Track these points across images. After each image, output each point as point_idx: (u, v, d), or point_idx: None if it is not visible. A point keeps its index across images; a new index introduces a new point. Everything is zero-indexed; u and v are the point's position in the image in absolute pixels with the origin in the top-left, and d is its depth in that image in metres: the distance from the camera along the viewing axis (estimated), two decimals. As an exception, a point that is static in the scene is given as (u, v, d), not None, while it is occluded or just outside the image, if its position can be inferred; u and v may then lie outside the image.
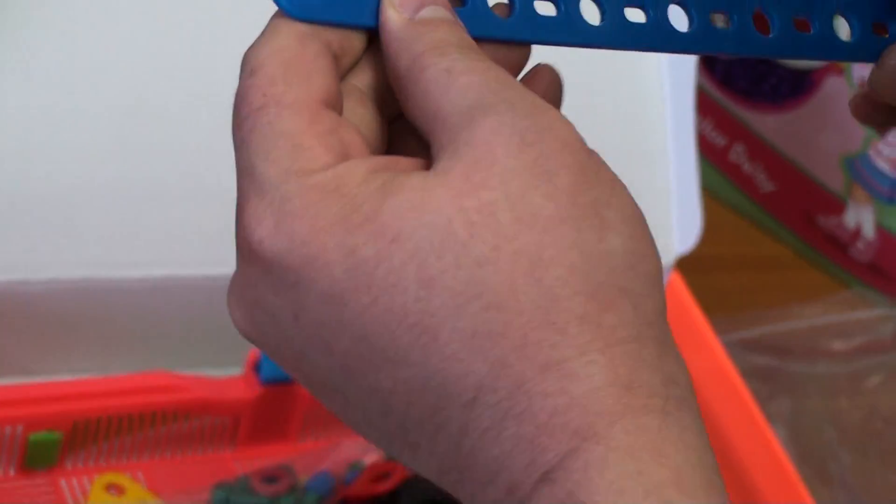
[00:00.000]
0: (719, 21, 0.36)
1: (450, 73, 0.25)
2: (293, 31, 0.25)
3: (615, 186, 0.26)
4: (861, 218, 0.73)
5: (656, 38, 0.33)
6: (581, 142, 0.25)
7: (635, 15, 0.31)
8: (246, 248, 0.24)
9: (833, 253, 0.75)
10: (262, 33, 0.26)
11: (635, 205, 0.26)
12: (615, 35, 0.32)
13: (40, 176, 0.56)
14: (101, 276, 0.55)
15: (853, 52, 0.38)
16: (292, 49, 0.25)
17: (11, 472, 0.54)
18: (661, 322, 0.25)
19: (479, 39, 0.28)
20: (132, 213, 0.57)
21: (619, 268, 0.24)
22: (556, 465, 0.23)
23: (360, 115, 0.26)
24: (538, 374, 0.23)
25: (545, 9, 0.30)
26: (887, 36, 0.38)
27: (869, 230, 0.72)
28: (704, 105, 0.75)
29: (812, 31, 0.36)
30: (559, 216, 0.24)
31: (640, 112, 0.66)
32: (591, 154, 0.25)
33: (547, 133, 0.25)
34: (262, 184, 0.24)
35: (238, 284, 0.25)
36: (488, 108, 0.24)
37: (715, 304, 0.65)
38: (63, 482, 0.56)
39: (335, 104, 0.25)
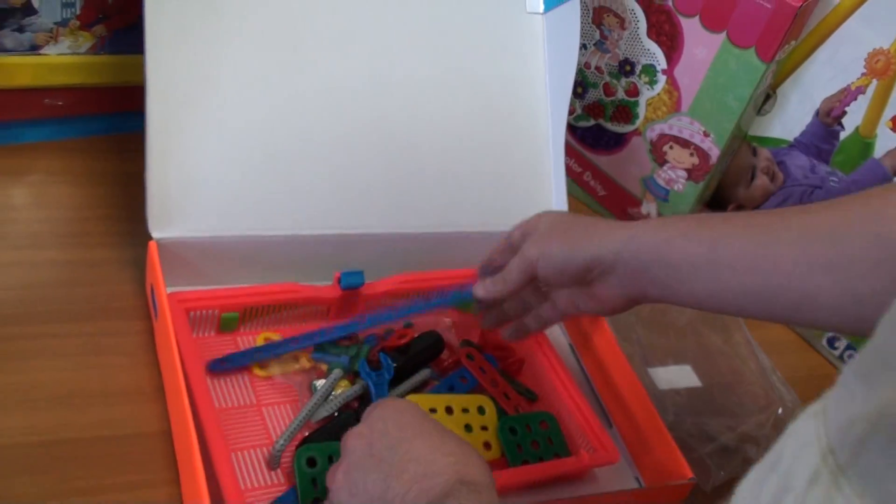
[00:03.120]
0: None
1: None
2: None
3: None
4: (650, 209, 1.08)
5: None
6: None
7: None
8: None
9: None
10: None
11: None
12: None
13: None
14: (260, 234, 0.82)
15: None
16: None
17: (212, 334, 0.80)
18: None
19: None
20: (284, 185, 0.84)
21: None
22: None
23: None
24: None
25: None
26: None
27: (654, 215, 1.08)
28: (569, 151, 1.07)
29: None
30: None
31: (537, 141, 0.95)
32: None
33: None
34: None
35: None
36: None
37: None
38: (238, 339, 0.81)
39: None
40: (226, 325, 0.82)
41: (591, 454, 0.78)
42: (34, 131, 0.94)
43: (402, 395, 0.80)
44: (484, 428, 0.79)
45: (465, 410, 0.79)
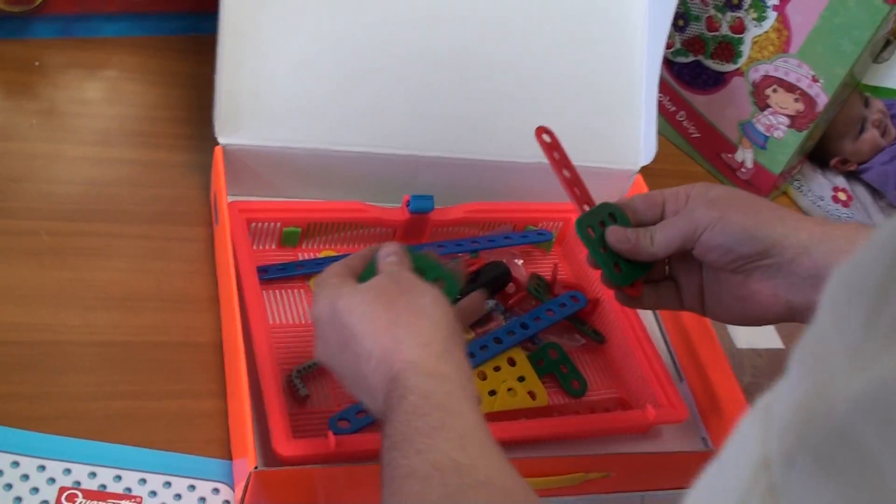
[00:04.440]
0: None
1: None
2: None
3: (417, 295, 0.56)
4: (745, 156, 1.02)
5: None
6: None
7: None
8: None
9: (728, 173, 1.04)
10: None
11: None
12: None
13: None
14: (331, 148, 0.79)
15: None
16: None
17: (273, 247, 0.78)
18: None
19: None
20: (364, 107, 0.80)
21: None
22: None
23: None
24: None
25: None
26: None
27: (749, 163, 1.02)
28: (663, 87, 1.02)
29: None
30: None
31: (628, 74, 0.88)
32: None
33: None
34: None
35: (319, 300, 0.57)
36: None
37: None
38: (300, 255, 0.79)
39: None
40: (287, 240, 0.80)
41: (658, 410, 0.74)
42: (112, 25, 0.92)
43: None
44: (521, 379, 0.75)
45: (496, 369, 0.75)
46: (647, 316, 0.85)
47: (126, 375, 0.68)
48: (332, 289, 0.58)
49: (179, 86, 0.91)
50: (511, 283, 0.82)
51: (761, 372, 0.86)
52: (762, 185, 1.02)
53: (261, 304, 0.71)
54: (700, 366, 0.80)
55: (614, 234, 0.63)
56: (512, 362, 0.76)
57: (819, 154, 1.02)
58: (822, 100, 0.93)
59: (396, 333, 0.53)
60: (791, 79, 0.95)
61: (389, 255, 0.60)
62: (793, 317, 0.60)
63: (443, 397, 0.50)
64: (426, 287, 0.57)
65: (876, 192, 1.01)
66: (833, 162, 1.02)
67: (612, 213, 0.64)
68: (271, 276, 0.77)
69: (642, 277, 0.65)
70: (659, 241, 0.62)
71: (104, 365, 0.68)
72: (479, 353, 0.75)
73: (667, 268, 0.67)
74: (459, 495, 0.44)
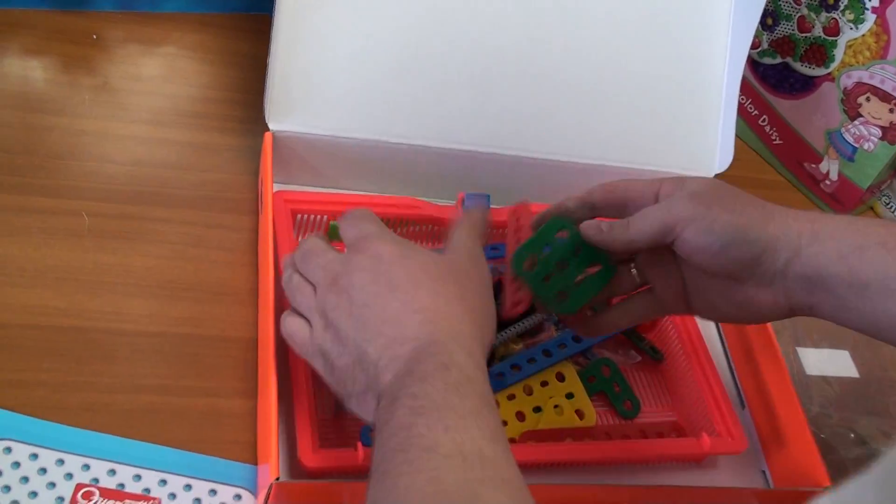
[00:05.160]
0: None
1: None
2: None
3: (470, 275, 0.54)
4: (830, 167, 0.95)
5: None
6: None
7: None
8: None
9: (810, 184, 0.98)
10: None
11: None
12: None
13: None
14: (384, 140, 0.75)
15: None
16: None
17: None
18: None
19: None
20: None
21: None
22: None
23: None
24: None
25: None
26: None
27: (834, 174, 0.95)
28: (745, 89, 0.97)
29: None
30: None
31: (708, 74, 0.82)
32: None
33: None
34: None
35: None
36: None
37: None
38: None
39: None
40: (334, 234, 0.74)
41: (714, 439, 0.69)
42: (174, 1, 0.89)
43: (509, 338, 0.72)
44: (570, 396, 0.71)
45: (544, 384, 0.71)
46: (709, 333, 0.80)
47: (155, 368, 0.66)
48: (395, 237, 0.56)
49: (237, 66, 0.88)
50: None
51: (830, 402, 0.80)
52: (847, 199, 0.95)
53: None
54: (764, 392, 0.75)
55: (587, 227, 0.59)
56: (561, 377, 0.72)
57: (911, 168, 0.95)
58: (920, 112, 0.86)
59: (457, 310, 0.52)
60: (887, 87, 0.88)
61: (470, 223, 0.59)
62: (795, 314, 0.57)
63: (482, 387, 0.48)
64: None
65: (973, 214, 0.94)
66: (927, 178, 0.94)
67: (563, 227, 0.60)
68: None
69: (597, 295, 0.61)
70: (636, 226, 0.57)
71: (134, 356, 0.66)
72: (527, 366, 0.71)
73: (635, 274, 0.62)
74: (479, 486, 0.42)
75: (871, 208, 1.00)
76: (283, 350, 0.63)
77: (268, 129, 0.75)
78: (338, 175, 0.79)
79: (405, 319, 0.51)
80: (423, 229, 0.77)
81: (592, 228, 0.60)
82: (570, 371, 0.72)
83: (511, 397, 0.70)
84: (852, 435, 0.76)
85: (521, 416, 0.69)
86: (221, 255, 0.74)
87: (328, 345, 0.53)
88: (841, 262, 0.53)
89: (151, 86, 0.84)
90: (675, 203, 0.56)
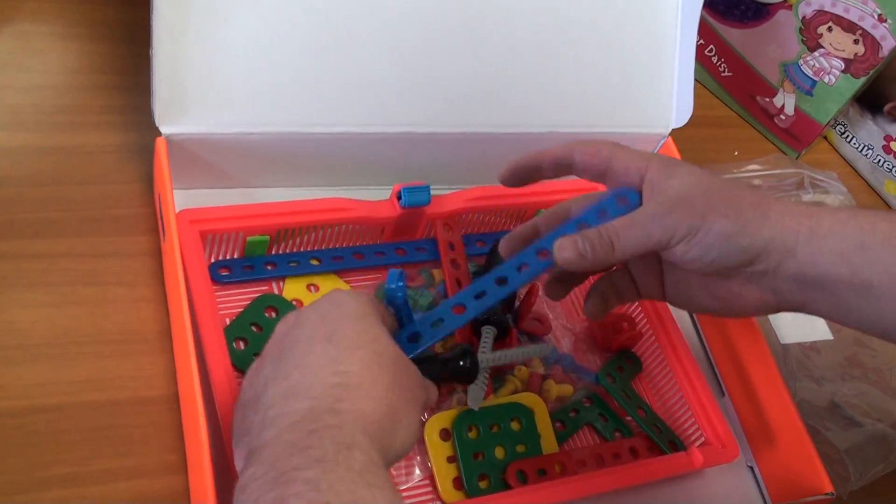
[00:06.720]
0: None
1: None
2: None
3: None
4: (786, 101, 0.89)
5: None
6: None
7: None
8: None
9: (763, 119, 0.92)
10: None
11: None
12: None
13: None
14: (302, 131, 0.64)
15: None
16: None
17: (236, 255, 0.63)
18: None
19: None
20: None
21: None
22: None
23: None
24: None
25: None
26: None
27: (790, 109, 0.89)
28: None
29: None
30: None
31: (658, 27, 0.73)
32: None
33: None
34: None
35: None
36: None
37: (685, 151, 0.73)
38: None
39: None
40: (253, 250, 0.65)
41: (705, 450, 0.64)
42: (17, -38, 0.73)
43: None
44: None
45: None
46: (680, 314, 0.73)
47: (60, 454, 0.55)
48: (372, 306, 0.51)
49: (108, 39, 0.74)
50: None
51: (811, 371, 0.74)
52: (804, 134, 0.89)
53: (223, 345, 0.57)
54: (745, 379, 0.70)
55: (562, 249, 0.52)
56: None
57: (870, 97, 0.88)
58: (889, 43, 0.79)
59: (382, 398, 0.46)
60: (852, 16, 0.80)
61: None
62: (778, 311, 0.55)
63: (387, 476, 0.43)
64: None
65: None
66: (887, 107, 0.88)
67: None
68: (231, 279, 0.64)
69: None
70: (623, 248, 0.52)
71: (28, 442, 0.55)
72: (473, 303, 0.56)
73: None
74: None
75: (825, 137, 0.93)
76: (212, 406, 0.53)
77: (160, 134, 0.62)
78: (248, 176, 0.67)
79: (319, 373, 0.45)
80: (354, 230, 0.67)
81: (570, 252, 0.53)
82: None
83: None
84: (841, 414, 0.71)
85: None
86: (121, 291, 0.62)
87: (248, 375, 0.50)
88: (842, 261, 0.50)
89: (1, 78, 0.69)
90: (665, 216, 0.52)
